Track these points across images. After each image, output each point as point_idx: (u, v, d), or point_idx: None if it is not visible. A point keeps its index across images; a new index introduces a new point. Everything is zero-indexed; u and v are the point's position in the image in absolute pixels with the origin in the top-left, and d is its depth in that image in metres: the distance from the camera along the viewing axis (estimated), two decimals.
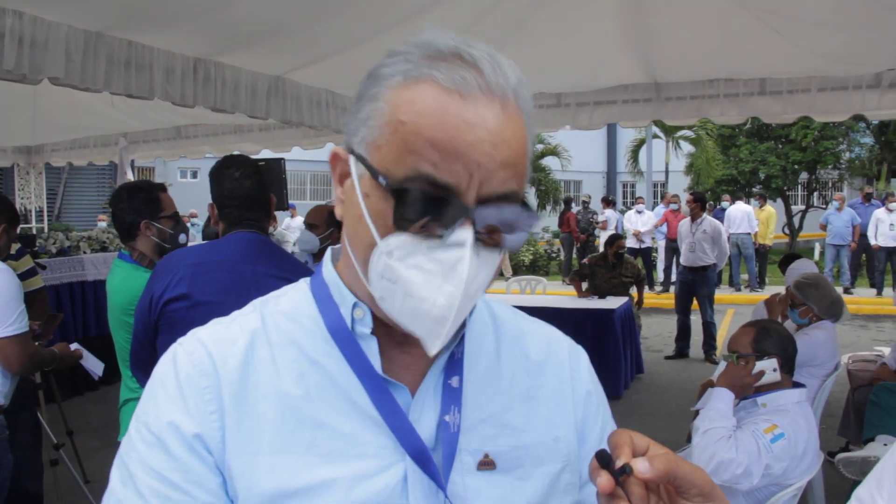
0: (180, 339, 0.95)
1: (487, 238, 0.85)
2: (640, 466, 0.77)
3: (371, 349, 0.93)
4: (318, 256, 4.52)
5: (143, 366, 2.58)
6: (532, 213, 0.87)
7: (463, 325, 0.98)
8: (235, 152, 8.52)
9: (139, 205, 3.14)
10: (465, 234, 0.81)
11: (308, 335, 0.94)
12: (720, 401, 2.95)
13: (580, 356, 1.13)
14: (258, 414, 0.89)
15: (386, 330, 0.93)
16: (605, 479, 0.77)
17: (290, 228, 16.73)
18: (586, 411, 1.08)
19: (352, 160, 0.88)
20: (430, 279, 0.81)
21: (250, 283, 2.44)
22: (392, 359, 0.95)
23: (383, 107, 0.84)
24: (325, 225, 4.49)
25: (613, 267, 8.81)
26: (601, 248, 9.11)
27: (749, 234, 15.21)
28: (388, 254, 0.82)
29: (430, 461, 0.90)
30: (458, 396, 0.96)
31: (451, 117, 0.80)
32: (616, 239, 9.01)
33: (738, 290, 15.49)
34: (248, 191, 2.64)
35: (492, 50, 0.86)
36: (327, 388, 0.91)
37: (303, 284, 1.02)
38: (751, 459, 2.69)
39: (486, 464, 0.95)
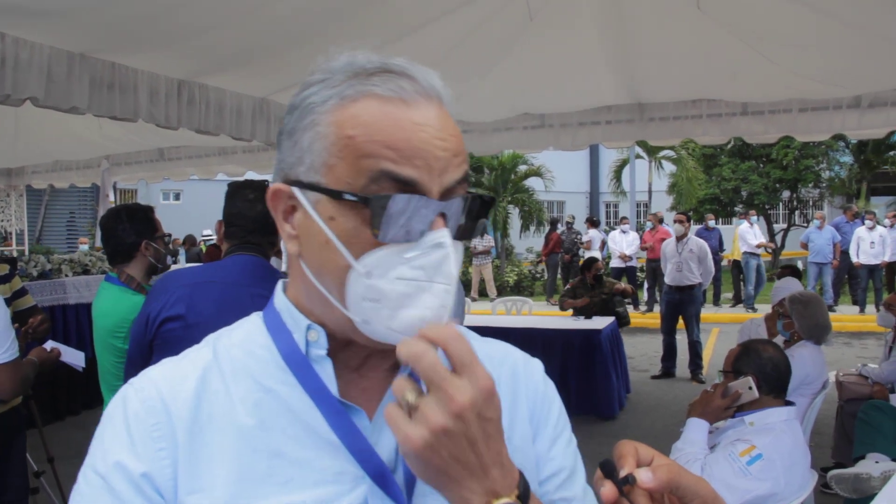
0: (131, 380, 0.94)
1: (457, 232, 0.87)
2: (644, 476, 0.78)
3: (326, 372, 0.92)
4: None
5: None
6: (488, 197, 0.91)
7: None
8: (220, 174, 8.51)
9: (140, 226, 3.20)
10: (441, 234, 0.83)
11: (261, 364, 0.93)
12: (691, 430, 3.02)
13: (534, 366, 1.12)
14: (213, 446, 0.87)
15: (343, 354, 0.93)
16: (608, 488, 0.79)
17: None
18: (540, 416, 1.07)
19: (297, 192, 0.88)
20: (417, 285, 0.82)
21: (246, 304, 2.41)
22: (349, 383, 0.94)
23: (325, 130, 0.85)
24: None
25: (592, 287, 9.03)
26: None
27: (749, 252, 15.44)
28: (367, 274, 0.82)
29: (392, 482, 0.89)
30: None
31: (400, 121, 0.83)
32: (592, 262, 9.30)
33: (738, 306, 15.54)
34: (258, 214, 2.63)
35: (410, 61, 0.90)
36: (283, 416, 0.90)
37: (255, 317, 1.01)
38: (716, 483, 2.67)
39: None
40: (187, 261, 14.63)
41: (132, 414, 0.88)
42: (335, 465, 0.89)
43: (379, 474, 0.89)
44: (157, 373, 0.94)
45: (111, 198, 7.70)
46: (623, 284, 9.89)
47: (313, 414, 0.90)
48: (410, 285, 0.82)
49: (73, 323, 7.66)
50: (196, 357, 0.96)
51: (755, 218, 15.82)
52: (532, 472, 1.02)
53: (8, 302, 3.79)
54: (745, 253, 15.40)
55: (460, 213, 0.87)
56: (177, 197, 29.03)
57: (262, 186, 2.76)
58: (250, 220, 2.63)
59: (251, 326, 0.99)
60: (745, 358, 3.08)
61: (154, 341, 2.48)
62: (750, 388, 2.98)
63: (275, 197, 0.91)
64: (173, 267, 3.46)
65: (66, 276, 7.93)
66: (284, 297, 0.97)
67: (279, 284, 1.01)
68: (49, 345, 3.75)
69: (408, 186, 0.82)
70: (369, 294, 0.82)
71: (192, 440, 0.87)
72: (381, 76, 0.86)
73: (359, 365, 0.95)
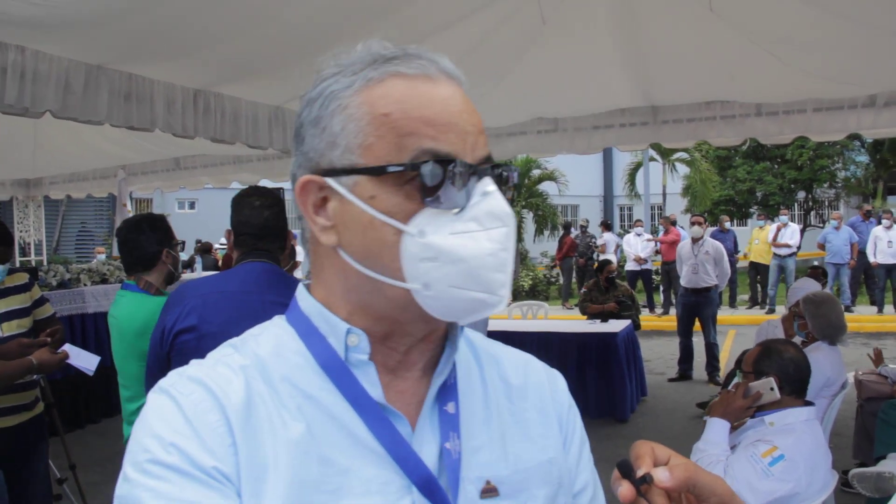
0: (165, 383, 0.88)
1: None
2: (661, 475, 0.78)
3: (369, 377, 0.89)
4: None
5: None
6: (512, 168, 0.93)
7: (453, 352, 0.96)
8: (234, 183, 8.56)
9: (161, 234, 3.26)
10: (486, 182, 0.85)
11: (298, 370, 0.89)
12: (712, 431, 2.99)
13: (557, 377, 1.11)
14: (266, 451, 0.84)
15: (379, 355, 0.91)
16: (626, 488, 0.79)
17: None
18: (569, 427, 1.06)
19: (331, 180, 0.87)
20: (474, 235, 0.83)
21: (258, 312, 2.42)
22: (385, 386, 0.91)
23: (356, 111, 0.86)
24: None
25: (606, 290, 9.09)
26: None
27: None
28: (421, 233, 0.83)
29: (439, 489, 0.87)
30: (456, 422, 0.93)
31: (430, 96, 0.86)
32: (605, 265, 9.37)
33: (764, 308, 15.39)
34: (265, 221, 2.65)
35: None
36: (326, 423, 0.87)
37: (279, 321, 0.97)
38: (739, 484, 2.67)
39: (489, 491, 0.91)
40: (203, 269, 14.71)
41: (191, 412, 0.83)
42: (381, 475, 0.86)
43: (425, 483, 0.86)
44: (196, 374, 0.88)
45: (129, 207, 7.75)
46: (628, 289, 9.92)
47: (355, 422, 0.87)
48: (464, 238, 0.82)
49: (92, 332, 7.72)
50: (229, 360, 0.90)
51: (785, 217, 15.56)
52: (567, 483, 1.01)
53: (28, 311, 3.84)
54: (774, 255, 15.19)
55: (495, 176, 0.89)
56: (192, 206, 29.24)
57: (266, 193, 2.77)
58: (258, 226, 2.64)
59: (279, 331, 0.95)
60: (766, 359, 3.05)
61: (170, 353, 2.48)
62: (772, 388, 2.96)
63: (304, 190, 0.90)
64: (190, 275, 3.50)
65: (85, 285, 8.00)
66: (313, 300, 0.94)
67: (301, 288, 0.98)
68: (64, 347, 3.78)
69: (447, 159, 0.83)
70: (425, 253, 0.82)
71: (247, 442, 0.83)
72: (402, 59, 0.87)
73: (395, 366, 0.92)
